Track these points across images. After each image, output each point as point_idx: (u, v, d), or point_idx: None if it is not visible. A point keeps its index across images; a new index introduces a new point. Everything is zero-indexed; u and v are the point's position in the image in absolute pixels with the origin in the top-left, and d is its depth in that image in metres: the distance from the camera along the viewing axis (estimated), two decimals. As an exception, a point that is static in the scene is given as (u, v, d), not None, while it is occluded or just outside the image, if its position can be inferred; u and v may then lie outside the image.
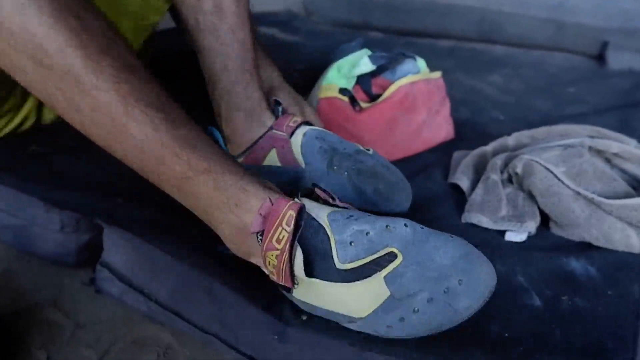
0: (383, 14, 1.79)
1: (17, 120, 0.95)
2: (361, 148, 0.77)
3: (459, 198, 0.87)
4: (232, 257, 0.71)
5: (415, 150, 1.01)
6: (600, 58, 1.52)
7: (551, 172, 0.79)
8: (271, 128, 0.79)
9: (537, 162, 0.80)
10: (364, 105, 0.99)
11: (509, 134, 1.00)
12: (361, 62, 1.03)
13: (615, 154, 0.84)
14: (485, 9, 1.64)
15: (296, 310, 0.65)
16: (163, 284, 0.72)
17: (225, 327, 0.67)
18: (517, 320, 0.64)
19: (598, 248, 0.76)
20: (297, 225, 0.57)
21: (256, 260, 0.64)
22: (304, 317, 0.64)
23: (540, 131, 0.94)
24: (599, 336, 0.62)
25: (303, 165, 0.77)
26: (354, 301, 0.56)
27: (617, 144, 0.85)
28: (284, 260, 0.57)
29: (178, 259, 0.70)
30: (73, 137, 0.95)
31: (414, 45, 1.68)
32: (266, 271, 0.62)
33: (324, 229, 0.58)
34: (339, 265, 0.57)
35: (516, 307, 0.66)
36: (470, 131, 1.14)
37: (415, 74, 1.04)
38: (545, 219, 0.81)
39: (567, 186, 0.77)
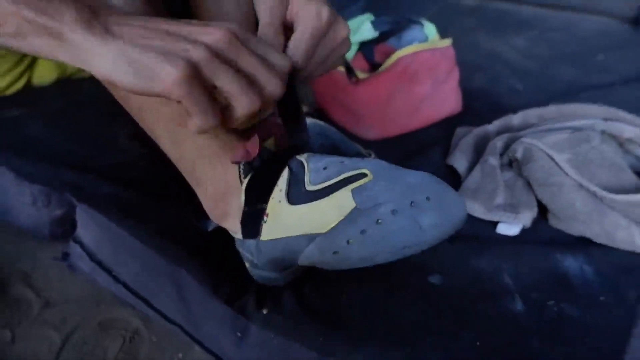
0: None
1: (6, 81, 0.92)
2: (362, 151, 0.72)
3: (456, 182, 0.81)
4: (203, 240, 0.68)
5: (417, 126, 0.95)
6: (635, 22, 1.40)
7: (552, 159, 0.73)
8: (272, 114, 0.73)
9: (538, 147, 0.74)
10: (363, 75, 0.93)
11: (523, 106, 0.93)
12: (363, 28, 0.96)
13: (629, 139, 0.77)
14: (513, -35, 1.54)
15: (259, 302, 0.61)
16: (130, 267, 0.69)
17: (188, 318, 0.64)
18: (494, 327, 0.59)
19: (599, 246, 0.69)
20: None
21: (230, 222, 0.61)
22: (265, 311, 0.60)
23: (550, 110, 0.86)
24: (582, 350, 0.57)
25: None
26: (318, 216, 0.53)
27: (632, 128, 0.77)
28: None
29: (144, 243, 0.67)
30: (53, 103, 0.93)
31: (438, 2, 1.59)
32: (239, 228, 0.59)
33: (301, 161, 0.57)
34: (309, 187, 0.54)
35: (495, 312, 0.61)
36: (482, 103, 1.07)
37: (422, 42, 0.97)
38: (543, 209, 0.75)
39: (569, 176, 0.71)
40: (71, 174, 0.77)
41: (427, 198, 0.50)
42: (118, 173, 0.78)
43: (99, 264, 0.72)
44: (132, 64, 0.43)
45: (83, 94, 0.96)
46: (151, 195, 0.76)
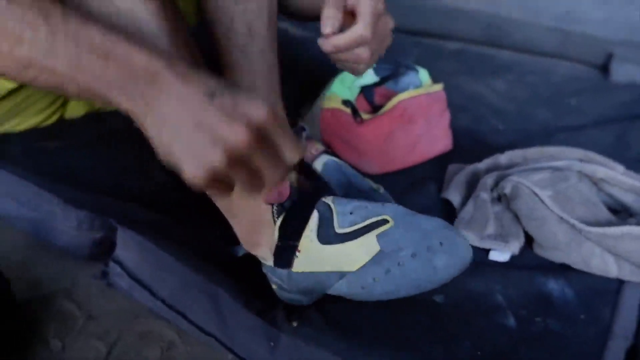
0: (392, 13, 1.81)
1: (41, 117, 1.00)
2: (373, 186, 0.83)
3: (450, 213, 0.92)
4: (233, 262, 0.77)
5: (412, 162, 1.05)
6: (604, 69, 1.54)
7: (537, 195, 0.84)
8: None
9: (524, 185, 0.85)
10: (365, 116, 1.03)
11: (505, 145, 1.05)
12: (365, 73, 1.07)
13: (602, 179, 0.89)
14: (493, 14, 1.67)
15: (288, 316, 0.71)
16: (167, 284, 0.78)
17: (223, 330, 0.73)
18: (490, 338, 0.69)
19: (577, 271, 0.81)
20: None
21: (261, 251, 0.70)
22: (295, 324, 0.70)
23: (533, 151, 0.98)
24: (563, 359, 0.67)
25: None
26: (348, 256, 0.63)
27: (604, 169, 0.89)
28: None
29: (182, 262, 0.76)
30: (85, 135, 1.02)
31: (421, 45, 1.70)
32: (269, 256, 0.68)
33: (328, 204, 0.67)
34: (338, 230, 0.65)
35: (491, 325, 0.71)
36: (468, 141, 1.18)
37: (417, 87, 1.08)
38: (529, 238, 0.86)
39: (552, 210, 0.82)
40: (111, 200, 0.86)
41: (441, 243, 0.61)
42: (153, 201, 0.87)
43: (138, 281, 0.80)
44: (164, 145, 0.49)
45: (111, 126, 1.04)
46: (184, 221, 0.85)
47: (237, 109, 0.48)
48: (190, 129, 0.48)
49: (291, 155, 0.52)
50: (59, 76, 0.50)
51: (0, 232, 0.92)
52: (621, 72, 1.50)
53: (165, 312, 0.78)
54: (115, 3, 0.61)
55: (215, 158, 0.48)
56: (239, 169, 0.50)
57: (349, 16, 0.70)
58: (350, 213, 0.65)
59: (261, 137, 0.49)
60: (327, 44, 0.69)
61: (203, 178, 0.48)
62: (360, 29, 0.68)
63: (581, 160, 0.92)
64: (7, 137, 0.96)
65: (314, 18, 0.88)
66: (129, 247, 0.81)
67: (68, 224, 0.83)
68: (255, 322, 0.70)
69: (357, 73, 0.76)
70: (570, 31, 1.59)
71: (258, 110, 0.49)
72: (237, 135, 0.48)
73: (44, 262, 0.89)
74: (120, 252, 0.82)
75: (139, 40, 0.51)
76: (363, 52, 0.71)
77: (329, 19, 0.67)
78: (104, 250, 0.85)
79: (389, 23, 0.74)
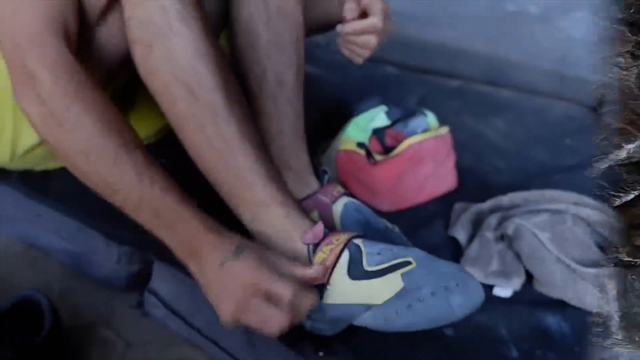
0: (398, 51, 1.90)
1: None
2: (389, 226, 0.91)
3: (457, 250, 1.01)
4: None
5: (421, 201, 1.14)
6: (595, 110, 1.63)
7: (536, 236, 0.92)
8: (316, 192, 0.91)
9: (525, 226, 0.94)
10: (377, 157, 1.12)
11: (506, 184, 1.15)
12: (377, 117, 1.17)
13: (595, 222, 0.98)
14: (493, 56, 1.76)
15: (315, 347, 0.78)
16: (202, 315, 0.85)
17: (255, 359, 0.81)
18: (497, 369, 0.77)
19: (573, 307, 0.89)
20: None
21: None
22: (321, 354, 0.77)
23: (533, 194, 1.07)
24: (562, 388, 0.75)
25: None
26: (374, 290, 0.71)
27: (597, 212, 0.98)
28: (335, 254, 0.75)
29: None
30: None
31: (425, 82, 1.78)
32: None
33: (358, 245, 0.75)
34: (367, 267, 0.73)
35: (496, 357, 0.79)
36: (471, 181, 1.25)
37: (425, 130, 1.17)
38: (529, 275, 0.94)
39: (550, 251, 0.91)
40: (148, 236, 0.93)
41: (457, 284, 0.69)
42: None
43: (173, 311, 0.88)
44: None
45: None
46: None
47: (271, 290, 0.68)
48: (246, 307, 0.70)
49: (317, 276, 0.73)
50: (142, 219, 0.73)
51: (41, 262, 1.00)
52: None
53: (200, 341, 0.85)
54: (180, 62, 0.71)
55: (272, 329, 0.68)
56: None
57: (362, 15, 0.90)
58: (378, 254, 0.74)
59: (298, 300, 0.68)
60: (347, 27, 0.90)
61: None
62: (373, 19, 0.89)
63: (576, 204, 1.01)
64: (49, 174, 1.04)
65: (321, 30, 1.06)
66: (164, 279, 0.89)
67: (108, 258, 0.91)
68: (286, 353, 0.78)
69: (359, 60, 0.95)
70: (565, 74, 1.68)
71: (285, 290, 0.68)
72: (279, 325, 0.68)
73: (84, 291, 0.96)
74: (155, 283, 0.90)
75: (198, 215, 0.71)
76: (372, 40, 0.91)
77: (351, 10, 0.89)
78: (139, 281, 0.93)
79: (391, 24, 0.94)
